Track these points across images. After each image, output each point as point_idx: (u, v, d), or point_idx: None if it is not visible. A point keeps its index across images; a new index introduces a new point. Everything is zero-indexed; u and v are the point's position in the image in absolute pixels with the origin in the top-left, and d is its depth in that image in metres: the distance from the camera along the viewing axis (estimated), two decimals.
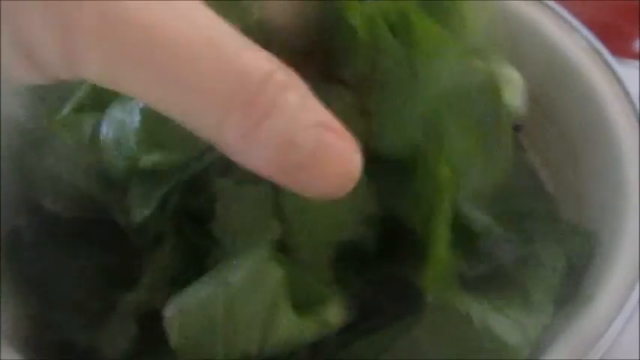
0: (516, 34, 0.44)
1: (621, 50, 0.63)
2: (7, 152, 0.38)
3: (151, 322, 0.31)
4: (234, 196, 0.32)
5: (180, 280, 0.32)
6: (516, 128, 0.39)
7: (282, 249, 0.31)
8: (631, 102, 0.39)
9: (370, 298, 0.32)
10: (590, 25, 0.63)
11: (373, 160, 0.27)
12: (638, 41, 0.64)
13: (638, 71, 0.64)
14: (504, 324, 0.30)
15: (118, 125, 0.32)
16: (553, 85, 0.43)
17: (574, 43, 0.42)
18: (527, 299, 0.33)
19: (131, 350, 0.33)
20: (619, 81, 0.40)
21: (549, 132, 0.44)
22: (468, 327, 0.30)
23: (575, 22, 0.44)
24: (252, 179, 0.28)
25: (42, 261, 0.36)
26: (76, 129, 0.35)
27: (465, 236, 0.33)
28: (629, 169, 0.36)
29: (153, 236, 0.34)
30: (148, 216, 0.32)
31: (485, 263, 0.34)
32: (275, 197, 0.31)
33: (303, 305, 0.30)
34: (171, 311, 0.30)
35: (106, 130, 0.33)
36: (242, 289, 0.29)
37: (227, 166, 0.31)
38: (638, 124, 0.38)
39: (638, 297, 0.32)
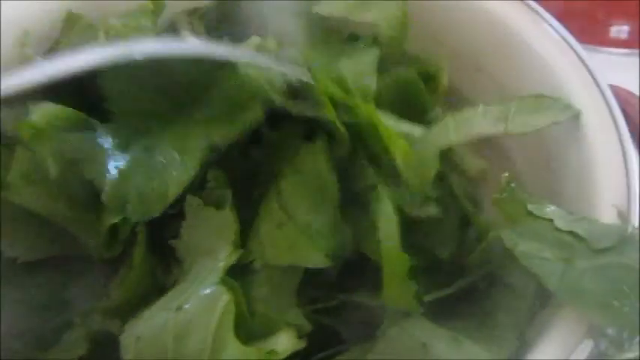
0: (485, 27, 0.43)
1: (596, 38, 0.62)
2: None
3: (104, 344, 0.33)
4: (200, 217, 0.33)
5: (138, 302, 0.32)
6: None
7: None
8: (601, 92, 0.37)
9: (328, 324, 0.32)
10: (565, 13, 0.62)
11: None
12: (612, 29, 0.63)
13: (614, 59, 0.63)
14: (462, 354, 0.29)
15: None
16: (522, 78, 0.41)
17: (543, 34, 0.41)
18: (493, 325, 0.32)
19: None
20: (589, 71, 0.38)
21: None
22: (423, 356, 0.29)
23: (545, 13, 0.42)
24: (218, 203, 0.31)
25: None
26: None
27: (429, 259, 0.34)
28: (600, 163, 0.35)
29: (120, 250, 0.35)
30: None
31: (453, 286, 0.33)
32: (238, 224, 0.32)
33: (252, 334, 0.30)
34: (127, 338, 0.30)
35: None
36: (192, 316, 0.29)
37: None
38: (609, 113, 0.36)
39: None
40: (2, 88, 0.29)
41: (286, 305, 0.32)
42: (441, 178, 0.36)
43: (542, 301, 0.32)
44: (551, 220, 0.31)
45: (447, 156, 0.38)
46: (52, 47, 0.42)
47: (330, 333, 0.32)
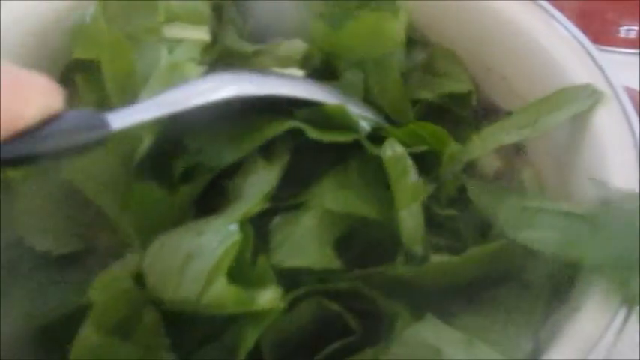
0: (495, 28, 0.43)
1: (604, 38, 0.62)
2: None
3: None
4: (252, 168, 0.37)
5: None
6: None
7: None
8: (615, 92, 0.37)
9: (343, 325, 0.32)
10: (573, 12, 0.62)
11: None
12: (620, 29, 0.62)
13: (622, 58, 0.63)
14: (476, 357, 0.30)
15: None
16: (534, 77, 0.41)
17: (555, 35, 0.40)
18: (508, 323, 0.32)
19: None
20: (602, 71, 0.38)
21: None
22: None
23: (556, 12, 0.41)
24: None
25: None
26: None
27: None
28: (612, 164, 0.34)
29: None
30: None
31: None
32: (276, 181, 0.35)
33: (247, 281, 0.31)
34: (155, 243, 0.33)
35: None
36: (204, 243, 0.31)
37: None
38: (622, 114, 0.36)
39: None
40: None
41: (326, 242, 0.34)
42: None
43: (558, 301, 0.32)
44: (546, 209, 0.34)
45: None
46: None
47: (338, 323, 0.33)
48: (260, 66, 0.41)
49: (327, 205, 0.35)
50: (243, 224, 0.32)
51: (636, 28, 0.63)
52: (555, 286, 0.33)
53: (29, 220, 0.37)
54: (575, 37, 0.40)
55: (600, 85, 0.37)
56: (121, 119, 0.31)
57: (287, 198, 0.36)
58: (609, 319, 0.30)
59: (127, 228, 0.35)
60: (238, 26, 0.43)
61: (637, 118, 0.35)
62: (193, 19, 0.40)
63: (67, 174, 0.37)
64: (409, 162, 0.35)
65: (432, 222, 0.36)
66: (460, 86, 0.44)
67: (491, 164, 0.42)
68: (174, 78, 0.37)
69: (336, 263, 0.34)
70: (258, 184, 0.35)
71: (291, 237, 0.34)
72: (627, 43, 0.63)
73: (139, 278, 0.33)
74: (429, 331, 0.30)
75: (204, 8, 0.42)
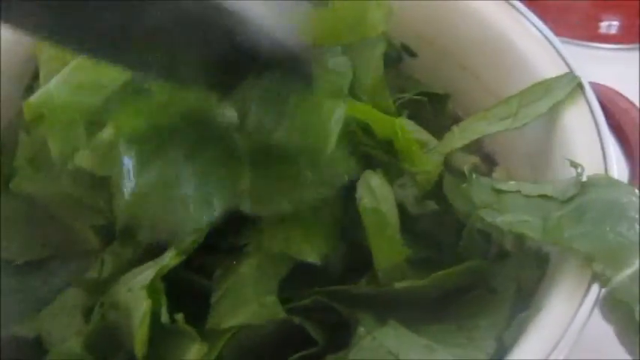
0: (469, 27, 0.43)
1: (585, 33, 0.62)
2: None
3: None
4: None
5: None
6: None
7: None
8: (583, 92, 0.37)
9: (302, 331, 0.32)
10: (556, 9, 0.62)
11: None
12: (601, 24, 0.63)
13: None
14: None
15: None
16: (506, 75, 0.41)
17: (526, 32, 0.41)
18: (472, 327, 0.32)
19: None
20: (570, 69, 0.38)
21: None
22: None
23: (527, 11, 0.42)
24: None
25: None
26: None
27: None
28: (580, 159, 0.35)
29: None
30: None
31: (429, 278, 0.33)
32: None
33: (168, 341, 0.32)
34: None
35: None
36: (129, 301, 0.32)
37: None
38: (590, 114, 0.36)
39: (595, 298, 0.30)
40: None
41: (266, 291, 0.33)
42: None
43: (523, 304, 0.32)
44: (519, 191, 0.33)
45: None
46: None
47: (301, 335, 0.33)
48: None
49: (266, 246, 0.34)
50: (154, 284, 0.32)
51: (617, 23, 0.63)
52: (521, 289, 0.33)
53: None
54: (544, 35, 0.40)
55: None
56: None
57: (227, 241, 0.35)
58: (571, 317, 0.30)
59: (90, 238, 0.35)
60: None
61: (603, 116, 0.36)
62: None
63: (30, 190, 0.37)
64: (391, 210, 0.34)
65: (407, 226, 0.35)
66: (435, 89, 0.45)
67: (466, 160, 0.42)
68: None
69: (278, 311, 0.32)
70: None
71: (229, 293, 0.33)
72: (608, 39, 0.63)
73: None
74: (390, 337, 0.30)
75: None
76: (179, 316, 0.31)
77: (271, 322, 0.32)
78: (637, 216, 0.30)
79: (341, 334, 0.32)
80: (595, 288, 0.30)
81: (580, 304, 0.30)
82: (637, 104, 0.50)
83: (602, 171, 0.34)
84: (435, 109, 0.45)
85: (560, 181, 0.34)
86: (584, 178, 0.33)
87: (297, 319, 0.32)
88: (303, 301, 0.33)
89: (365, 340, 0.30)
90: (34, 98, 0.36)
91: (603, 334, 0.29)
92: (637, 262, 0.29)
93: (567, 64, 0.38)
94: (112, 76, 0.36)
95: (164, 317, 0.31)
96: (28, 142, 0.38)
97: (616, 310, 0.29)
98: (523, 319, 0.31)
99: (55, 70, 0.37)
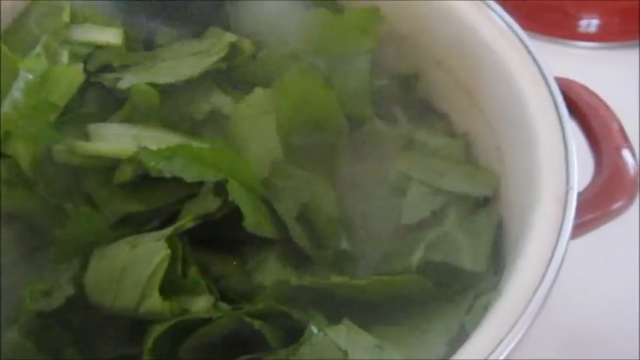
0: (442, 22, 0.44)
1: (564, 31, 0.62)
2: None
3: None
4: None
5: None
6: None
7: None
8: (548, 85, 0.38)
9: (253, 328, 0.33)
10: (535, 7, 0.63)
11: None
12: (580, 22, 0.63)
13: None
14: None
15: None
16: (476, 70, 0.42)
17: (492, 25, 0.41)
18: (425, 330, 0.33)
19: None
20: (537, 65, 0.39)
21: (477, 119, 0.43)
22: None
23: (496, 6, 0.42)
24: None
25: None
26: None
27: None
28: (545, 157, 0.35)
29: None
30: None
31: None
32: None
33: (179, 291, 0.33)
34: (95, 257, 0.35)
35: None
36: (139, 257, 0.33)
37: None
38: (554, 107, 0.37)
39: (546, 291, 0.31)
40: None
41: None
42: None
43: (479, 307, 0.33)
44: None
45: None
46: (15, 22, 0.42)
47: (256, 338, 0.33)
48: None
49: None
50: (172, 239, 0.33)
51: (596, 21, 0.63)
52: (478, 294, 0.34)
53: None
54: (513, 31, 0.41)
55: (536, 78, 0.38)
56: None
57: None
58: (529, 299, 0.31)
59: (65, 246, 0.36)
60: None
61: (566, 110, 0.36)
62: (104, 21, 0.41)
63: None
64: None
65: None
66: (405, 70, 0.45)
67: None
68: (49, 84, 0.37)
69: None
70: (197, 208, 0.36)
71: None
72: (587, 37, 0.63)
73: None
74: (340, 335, 0.31)
75: (115, 9, 0.41)
76: (193, 268, 0.33)
77: (228, 322, 0.33)
78: None
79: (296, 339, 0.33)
80: (551, 270, 0.31)
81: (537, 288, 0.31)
82: (616, 102, 0.51)
83: (562, 159, 0.34)
84: (404, 90, 0.45)
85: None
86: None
87: (257, 324, 0.32)
88: (257, 306, 0.33)
89: (315, 337, 0.31)
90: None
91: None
92: None
93: (533, 58, 0.39)
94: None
95: (179, 268, 0.33)
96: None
97: None
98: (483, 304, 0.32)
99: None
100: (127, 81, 0.38)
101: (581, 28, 0.63)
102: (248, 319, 0.32)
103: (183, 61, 0.40)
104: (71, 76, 0.38)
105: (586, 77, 0.53)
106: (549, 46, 0.63)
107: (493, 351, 0.29)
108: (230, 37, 0.41)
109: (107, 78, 0.39)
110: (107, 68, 0.40)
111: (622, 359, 0.47)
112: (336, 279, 0.33)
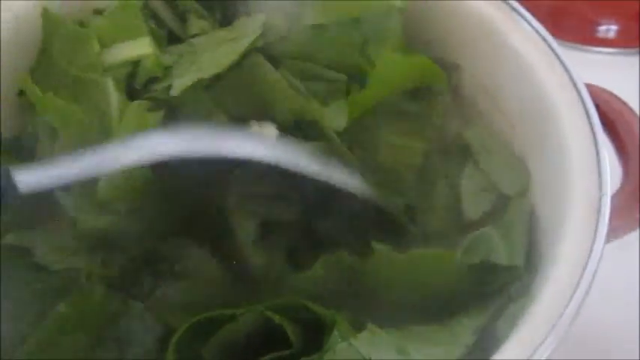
0: (465, 26, 0.44)
1: (583, 37, 0.62)
2: None
3: None
4: None
5: None
6: None
7: None
8: (578, 91, 0.37)
9: (275, 325, 0.33)
10: (554, 12, 0.63)
11: None
12: (599, 28, 0.63)
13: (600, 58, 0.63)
14: None
15: None
16: (501, 75, 0.42)
17: (522, 33, 0.41)
18: (454, 324, 0.33)
19: None
20: (567, 71, 0.39)
21: (500, 123, 0.43)
22: None
23: (524, 11, 0.42)
24: None
25: None
26: None
27: None
28: (576, 163, 0.35)
29: None
30: None
31: None
32: None
33: None
34: None
35: None
36: None
37: None
38: (584, 113, 0.36)
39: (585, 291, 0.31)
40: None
41: None
42: None
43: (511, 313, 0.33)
44: None
45: None
46: (39, 58, 0.41)
47: (279, 338, 0.33)
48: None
49: None
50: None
51: (615, 27, 0.63)
52: (512, 298, 0.34)
53: None
54: (541, 36, 0.40)
55: (565, 83, 0.38)
56: (31, 181, 0.29)
57: None
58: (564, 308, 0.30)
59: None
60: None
61: (597, 117, 0.36)
62: (130, 34, 0.39)
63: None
64: None
65: None
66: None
67: None
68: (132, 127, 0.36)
69: None
70: None
71: None
72: (606, 43, 0.63)
73: None
74: (364, 344, 0.31)
75: (137, 18, 0.40)
76: None
77: (251, 319, 0.33)
78: None
79: (316, 337, 0.32)
80: (586, 278, 0.31)
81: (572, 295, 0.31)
82: (634, 108, 0.51)
83: (594, 165, 0.34)
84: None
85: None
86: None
87: (277, 318, 0.32)
88: (279, 301, 0.33)
89: (340, 345, 0.31)
90: None
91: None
92: None
93: (563, 65, 0.39)
94: None
95: None
96: None
97: None
98: (513, 315, 0.32)
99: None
100: (177, 87, 0.37)
101: (599, 33, 0.63)
102: (269, 314, 0.32)
103: (221, 48, 0.39)
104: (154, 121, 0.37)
105: (605, 83, 0.53)
106: (568, 51, 0.61)
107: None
108: (262, 17, 0.40)
109: (158, 90, 0.38)
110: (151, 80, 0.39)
111: (622, 359, 0.47)
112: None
